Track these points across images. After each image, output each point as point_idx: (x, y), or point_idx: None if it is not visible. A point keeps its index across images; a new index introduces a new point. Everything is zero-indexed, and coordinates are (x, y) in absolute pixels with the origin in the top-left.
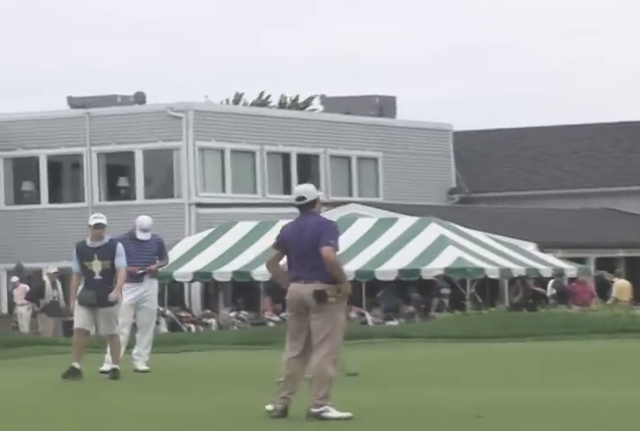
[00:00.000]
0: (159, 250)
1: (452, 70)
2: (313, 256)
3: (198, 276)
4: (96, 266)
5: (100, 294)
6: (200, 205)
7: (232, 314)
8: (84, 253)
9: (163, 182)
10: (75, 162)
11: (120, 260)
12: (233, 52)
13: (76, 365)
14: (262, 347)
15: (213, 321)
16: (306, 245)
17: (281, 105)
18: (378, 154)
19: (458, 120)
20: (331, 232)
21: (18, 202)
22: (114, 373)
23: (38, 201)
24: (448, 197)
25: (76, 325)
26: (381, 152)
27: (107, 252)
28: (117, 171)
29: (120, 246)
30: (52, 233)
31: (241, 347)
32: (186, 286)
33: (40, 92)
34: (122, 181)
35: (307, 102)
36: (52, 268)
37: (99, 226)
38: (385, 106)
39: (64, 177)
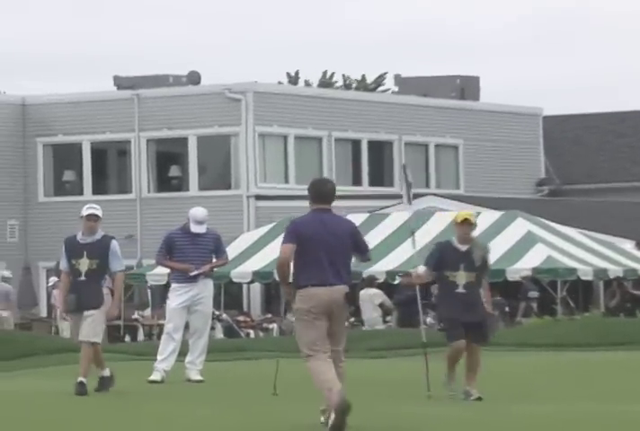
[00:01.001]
0: (216, 246)
1: (542, 46)
2: (343, 258)
3: (258, 276)
4: (83, 264)
5: (81, 298)
6: (259, 197)
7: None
8: (73, 249)
9: (219, 172)
10: (122, 150)
11: (116, 263)
12: (293, 28)
13: (106, 372)
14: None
15: (274, 325)
16: (338, 246)
17: (346, 86)
18: (459, 142)
19: (549, 103)
20: (362, 238)
21: (59, 193)
22: (80, 388)
23: (80, 192)
24: (537, 189)
25: (77, 338)
26: (462, 139)
27: (98, 250)
28: (168, 160)
29: (115, 244)
30: None
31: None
32: (245, 288)
33: (84, 71)
34: (174, 171)
35: (378, 82)
36: None
37: (92, 218)
38: (466, 87)
39: (109, 166)
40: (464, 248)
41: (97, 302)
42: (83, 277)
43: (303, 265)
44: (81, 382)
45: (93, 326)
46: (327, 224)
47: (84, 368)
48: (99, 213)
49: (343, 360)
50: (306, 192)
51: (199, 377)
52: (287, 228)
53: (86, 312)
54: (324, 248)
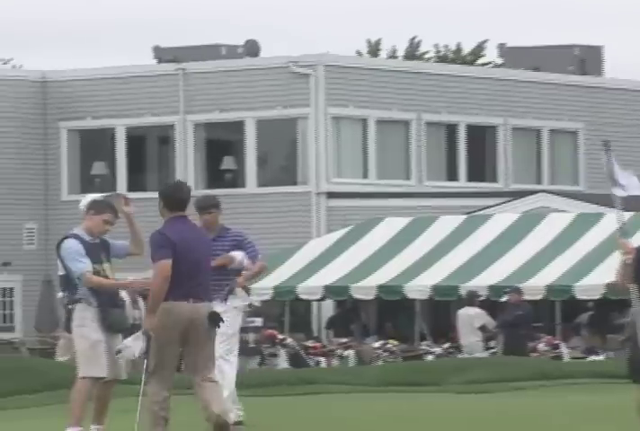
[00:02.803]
0: (240, 248)
1: None
2: (206, 270)
3: (330, 292)
4: (108, 271)
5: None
6: (332, 195)
7: (377, 344)
8: (89, 252)
9: (282, 164)
10: (164, 136)
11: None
12: None
13: (100, 428)
14: (417, 389)
15: (351, 352)
16: (205, 257)
17: (439, 58)
18: (578, 126)
19: None
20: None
21: (87, 190)
22: None
23: (113, 189)
24: None
25: (101, 372)
26: (582, 122)
27: (108, 252)
28: (220, 149)
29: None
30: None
31: (388, 389)
32: (314, 306)
33: (118, 41)
34: (227, 162)
35: (478, 53)
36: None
37: (112, 212)
38: (588, 59)
39: (148, 156)
40: None
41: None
42: None
43: (171, 278)
44: None
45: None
46: (194, 234)
47: (82, 412)
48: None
49: (212, 378)
50: (389, 189)
51: (233, 418)
52: (154, 241)
53: (117, 339)
54: (192, 259)
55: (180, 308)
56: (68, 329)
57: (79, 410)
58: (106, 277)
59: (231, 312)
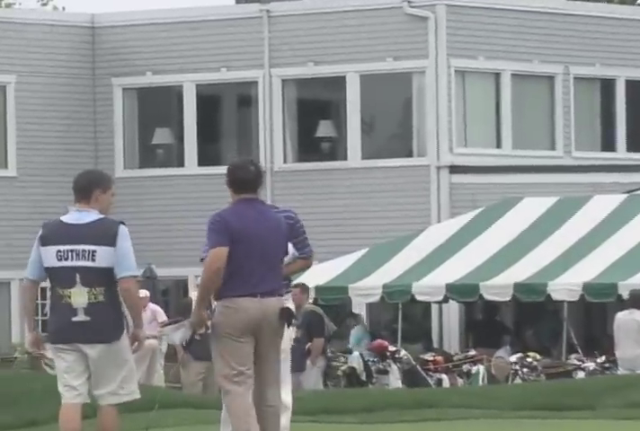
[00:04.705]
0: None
1: None
2: (278, 262)
3: (454, 291)
4: None
5: None
6: (457, 169)
7: (513, 358)
8: None
9: (393, 131)
10: (245, 96)
11: None
12: None
13: None
14: (566, 415)
15: (480, 368)
16: (274, 246)
17: None
18: None
19: None
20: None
21: (146, 164)
22: None
23: (180, 162)
24: None
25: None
26: None
27: None
28: (315, 112)
29: None
30: (204, 216)
31: (528, 415)
32: (434, 309)
33: None
34: (324, 128)
35: None
36: None
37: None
38: None
39: (225, 121)
40: None
41: None
42: None
43: (230, 271)
44: None
45: None
46: (261, 219)
47: None
48: None
49: (275, 404)
50: (528, 161)
51: None
52: (211, 224)
53: None
54: (258, 249)
55: (245, 305)
56: (112, 336)
57: None
58: None
59: None
